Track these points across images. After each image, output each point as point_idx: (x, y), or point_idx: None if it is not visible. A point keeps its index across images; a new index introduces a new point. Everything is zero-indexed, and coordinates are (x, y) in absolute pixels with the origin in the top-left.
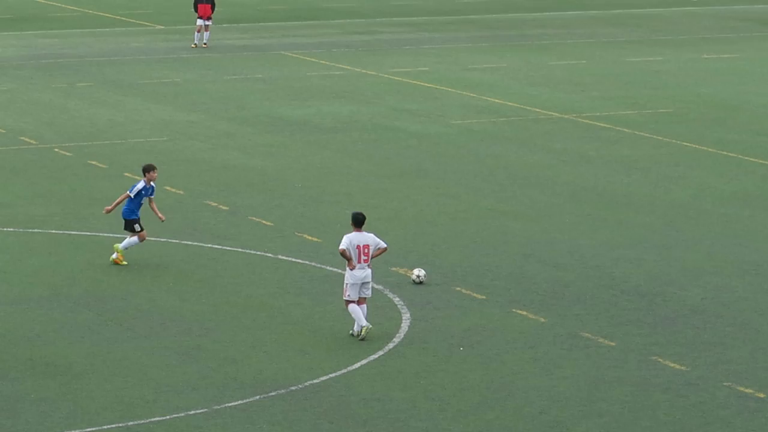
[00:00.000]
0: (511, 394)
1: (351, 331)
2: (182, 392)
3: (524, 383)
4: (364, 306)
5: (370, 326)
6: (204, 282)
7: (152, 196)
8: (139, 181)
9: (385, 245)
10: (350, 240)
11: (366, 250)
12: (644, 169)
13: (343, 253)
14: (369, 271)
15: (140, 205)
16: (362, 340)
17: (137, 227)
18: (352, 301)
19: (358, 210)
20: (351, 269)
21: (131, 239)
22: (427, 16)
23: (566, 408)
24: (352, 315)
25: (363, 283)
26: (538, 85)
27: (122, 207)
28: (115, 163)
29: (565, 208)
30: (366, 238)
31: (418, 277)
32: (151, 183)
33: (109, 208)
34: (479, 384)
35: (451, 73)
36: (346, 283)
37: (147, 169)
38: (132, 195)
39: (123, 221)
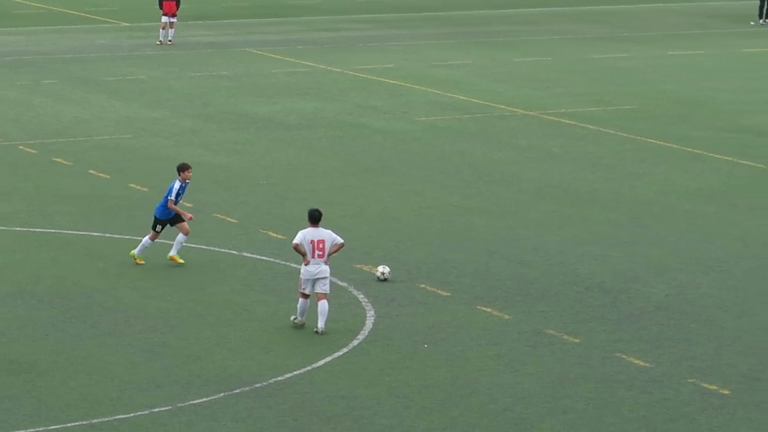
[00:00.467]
0: (476, 391)
1: (315, 329)
2: (146, 389)
3: (488, 380)
4: (325, 301)
5: (304, 322)
6: (168, 279)
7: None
8: (174, 181)
9: (342, 241)
10: (304, 235)
11: (321, 245)
12: (609, 165)
13: (296, 248)
14: (324, 267)
15: (176, 203)
16: (294, 326)
17: (158, 228)
18: (305, 295)
19: (321, 207)
20: (305, 264)
21: (144, 241)
22: (392, 12)
23: (530, 405)
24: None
25: (318, 279)
26: (503, 82)
27: (158, 206)
28: (80, 160)
29: (530, 204)
30: (321, 233)
31: (383, 274)
32: (186, 181)
33: (186, 222)
34: (443, 381)
35: (416, 69)
36: (300, 278)
37: (182, 168)
38: (173, 198)
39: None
